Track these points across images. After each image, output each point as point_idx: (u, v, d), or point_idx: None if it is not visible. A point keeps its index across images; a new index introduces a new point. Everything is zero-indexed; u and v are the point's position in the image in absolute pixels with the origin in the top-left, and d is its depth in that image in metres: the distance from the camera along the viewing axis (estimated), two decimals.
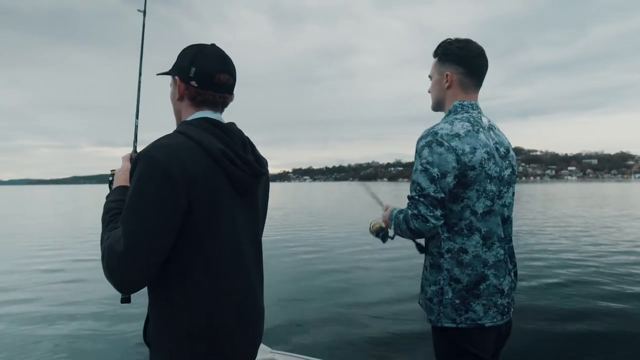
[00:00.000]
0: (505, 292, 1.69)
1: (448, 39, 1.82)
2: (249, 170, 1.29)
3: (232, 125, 1.34)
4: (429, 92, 1.90)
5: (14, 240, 13.17)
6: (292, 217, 19.00)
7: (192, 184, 1.14)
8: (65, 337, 4.49)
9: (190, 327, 1.19)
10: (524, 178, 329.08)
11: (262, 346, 2.67)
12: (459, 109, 1.75)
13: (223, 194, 1.23)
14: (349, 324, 4.67)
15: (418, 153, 1.67)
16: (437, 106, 1.88)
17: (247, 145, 1.36)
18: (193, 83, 1.27)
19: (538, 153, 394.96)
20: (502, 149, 1.73)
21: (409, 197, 1.66)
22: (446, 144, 1.60)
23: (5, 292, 6.44)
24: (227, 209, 1.25)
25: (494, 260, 1.66)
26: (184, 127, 1.25)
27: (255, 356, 1.42)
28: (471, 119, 1.70)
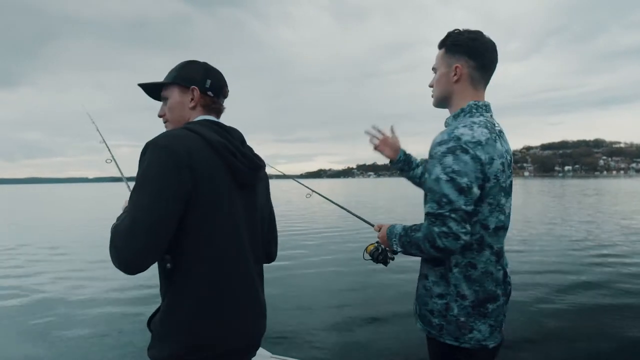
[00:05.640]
0: (505, 309, 1.63)
1: (456, 29, 1.68)
2: (248, 163, 1.39)
3: (231, 126, 1.48)
4: (431, 86, 1.76)
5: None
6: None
7: (196, 169, 1.23)
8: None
9: (190, 317, 1.25)
10: (605, 172, 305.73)
11: (261, 350, 2.66)
12: (474, 110, 1.61)
13: (224, 184, 1.31)
14: (355, 331, 4.52)
15: (438, 160, 1.49)
16: (441, 102, 1.73)
17: (245, 143, 1.48)
18: (209, 93, 1.45)
19: (622, 145, 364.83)
20: (509, 157, 1.61)
21: (432, 213, 1.47)
22: (471, 151, 1.46)
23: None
24: (229, 200, 1.33)
25: (503, 278, 1.59)
26: (188, 124, 1.38)
27: (256, 349, 1.46)
28: (488, 125, 1.55)
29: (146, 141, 1.26)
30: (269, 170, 1.63)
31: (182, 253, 1.25)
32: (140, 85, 1.50)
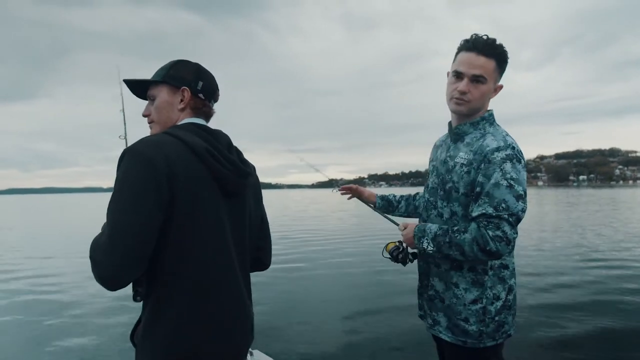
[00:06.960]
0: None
1: (494, 40, 1.58)
2: (234, 170, 1.31)
3: (218, 130, 1.39)
4: (465, 92, 1.59)
5: None
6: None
7: (175, 177, 1.15)
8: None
9: (173, 327, 1.19)
10: (621, 182, 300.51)
11: (263, 356, 2.63)
12: (493, 119, 1.67)
13: (207, 192, 1.24)
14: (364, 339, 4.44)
15: (498, 165, 1.48)
16: (471, 114, 1.65)
17: (233, 148, 1.40)
18: (200, 95, 1.37)
19: (638, 154, 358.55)
20: None
21: (488, 215, 1.46)
22: (522, 161, 1.52)
23: None
24: (212, 207, 1.25)
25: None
26: (170, 129, 1.30)
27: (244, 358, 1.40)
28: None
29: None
30: (317, 177, 1.56)
31: (164, 262, 1.19)
32: (126, 81, 1.41)
